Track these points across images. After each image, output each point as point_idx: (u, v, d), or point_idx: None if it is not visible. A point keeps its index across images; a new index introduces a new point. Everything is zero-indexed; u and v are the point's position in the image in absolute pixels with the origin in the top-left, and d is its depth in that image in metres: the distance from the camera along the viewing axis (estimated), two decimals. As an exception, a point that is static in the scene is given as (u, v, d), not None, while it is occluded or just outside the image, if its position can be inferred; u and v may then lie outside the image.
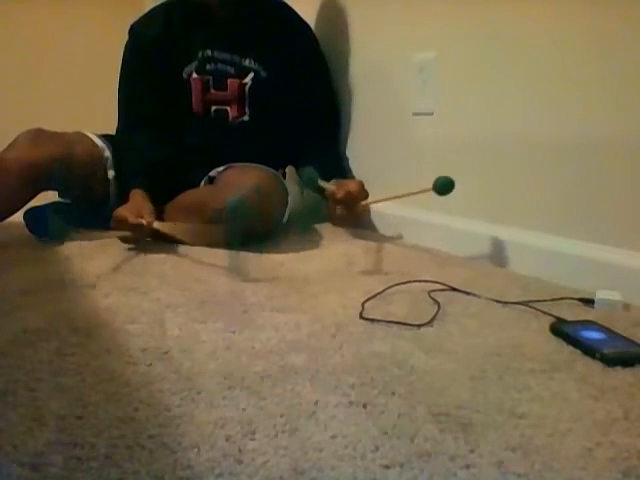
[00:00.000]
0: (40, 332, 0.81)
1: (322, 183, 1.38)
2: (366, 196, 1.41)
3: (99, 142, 1.54)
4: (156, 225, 1.31)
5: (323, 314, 0.89)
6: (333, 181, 1.48)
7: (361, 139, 1.67)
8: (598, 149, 0.99)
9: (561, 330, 0.79)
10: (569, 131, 1.04)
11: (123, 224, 1.30)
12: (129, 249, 1.32)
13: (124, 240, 1.33)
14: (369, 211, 1.52)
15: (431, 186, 1.17)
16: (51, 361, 0.71)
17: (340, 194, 1.38)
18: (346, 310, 0.90)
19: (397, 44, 1.48)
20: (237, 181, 1.36)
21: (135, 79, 1.59)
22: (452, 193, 1.16)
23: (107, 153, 1.54)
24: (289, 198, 1.45)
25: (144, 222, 1.29)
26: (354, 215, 1.42)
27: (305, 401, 0.61)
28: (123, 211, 1.32)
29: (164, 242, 1.37)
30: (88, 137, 1.54)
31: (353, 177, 1.63)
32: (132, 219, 1.29)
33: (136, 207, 1.34)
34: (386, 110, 1.54)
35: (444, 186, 1.16)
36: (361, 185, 1.42)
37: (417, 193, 1.22)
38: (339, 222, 1.51)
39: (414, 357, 0.73)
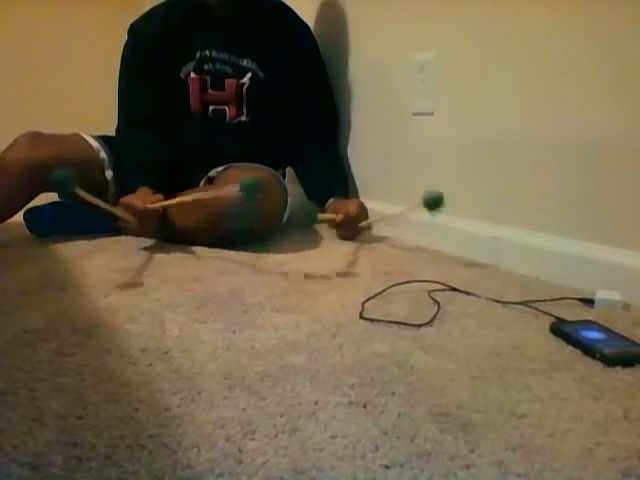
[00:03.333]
0: (40, 332, 0.81)
1: (321, 216, 1.38)
2: (366, 216, 1.41)
3: (95, 143, 1.54)
4: (161, 204, 1.31)
5: (323, 314, 0.89)
6: (333, 200, 1.49)
7: (361, 139, 1.67)
8: (598, 149, 0.99)
9: (561, 330, 0.79)
10: (569, 131, 1.04)
11: (129, 209, 1.30)
12: (131, 250, 1.32)
13: (127, 229, 1.32)
14: (371, 229, 1.50)
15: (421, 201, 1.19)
16: (51, 361, 0.71)
17: (339, 218, 1.39)
18: (346, 310, 0.90)
19: (397, 44, 1.48)
20: (236, 180, 1.35)
21: (135, 78, 1.59)
22: (443, 206, 1.17)
23: (103, 154, 1.54)
24: (289, 198, 1.45)
25: (150, 206, 1.29)
26: (354, 235, 1.43)
27: (305, 401, 0.61)
28: (129, 198, 1.32)
29: (165, 242, 1.37)
30: (84, 139, 1.54)
31: (354, 195, 1.62)
32: (138, 204, 1.29)
33: (141, 196, 1.34)
34: (386, 110, 1.54)
35: (433, 201, 1.17)
36: (360, 207, 1.42)
37: (410, 209, 1.25)
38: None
39: (414, 357, 0.73)
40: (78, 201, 1.22)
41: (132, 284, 1.05)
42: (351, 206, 1.41)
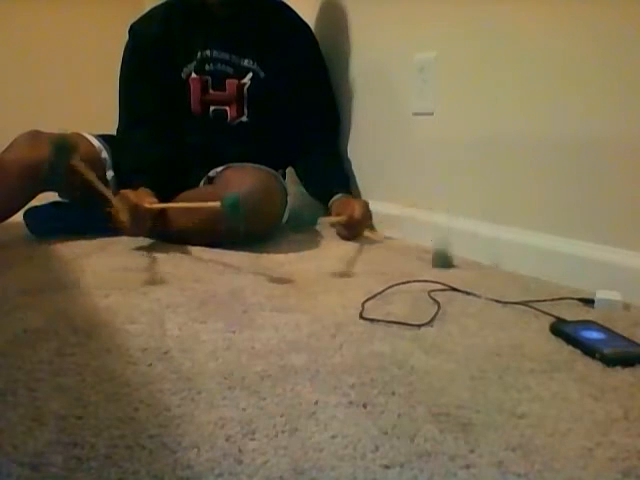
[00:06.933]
0: (40, 332, 0.81)
1: (323, 220, 1.35)
2: (370, 219, 1.40)
3: (96, 143, 1.54)
4: (156, 205, 1.31)
5: (323, 314, 0.89)
6: (336, 198, 1.48)
7: (361, 139, 1.67)
8: (598, 149, 0.99)
9: (561, 330, 0.79)
10: (569, 131, 1.04)
11: (125, 201, 1.28)
12: (131, 250, 1.32)
13: (119, 227, 1.31)
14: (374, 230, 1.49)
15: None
16: (51, 361, 0.71)
17: (343, 220, 1.37)
18: (346, 310, 0.90)
19: (397, 44, 1.48)
20: (236, 181, 1.36)
21: (135, 79, 1.60)
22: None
23: (104, 154, 1.54)
24: (289, 198, 1.45)
25: (145, 205, 1.28)
26: (355, 237, 1.41)
27: (305, 401, 0.61)
28: (127, 192, 1.32)
29: (164, 242, 1.37)
30: (86, 138, 1.54)
31: (356, 195, 1.60)
32: (134, 199, 1.28)
33: (139, 195, 1.33)
34: (386, 110, 1.54)
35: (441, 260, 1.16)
36: (365, 208, 1.40)
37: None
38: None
39: (414, 357, 0.73)
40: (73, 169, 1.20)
41: (132, 284, 1.05)
42: (356, 208, 1.39)
